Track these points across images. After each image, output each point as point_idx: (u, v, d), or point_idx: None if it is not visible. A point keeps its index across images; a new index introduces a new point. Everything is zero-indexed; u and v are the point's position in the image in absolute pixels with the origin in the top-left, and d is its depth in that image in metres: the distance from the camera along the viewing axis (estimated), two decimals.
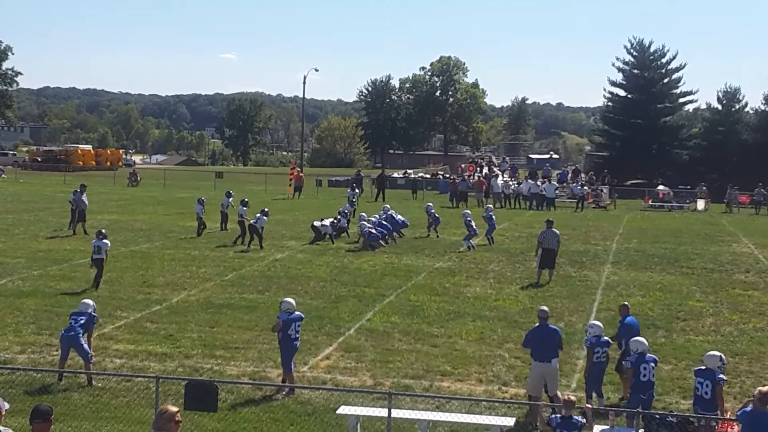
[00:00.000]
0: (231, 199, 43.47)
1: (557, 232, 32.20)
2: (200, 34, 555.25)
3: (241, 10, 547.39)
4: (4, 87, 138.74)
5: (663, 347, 22.35)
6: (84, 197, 41.80)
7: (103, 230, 30.14)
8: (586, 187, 68.12)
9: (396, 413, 15.08)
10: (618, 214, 60.75)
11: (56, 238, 39.54)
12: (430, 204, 46.26)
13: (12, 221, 45.64)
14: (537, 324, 17.71)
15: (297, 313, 18.68)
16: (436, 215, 43.50)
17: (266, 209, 39.40)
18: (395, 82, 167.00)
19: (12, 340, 21.68)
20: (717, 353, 15.74)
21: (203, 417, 15.41)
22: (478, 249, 38.47)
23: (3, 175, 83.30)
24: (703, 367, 15.46)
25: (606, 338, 17.27)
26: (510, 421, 15.83)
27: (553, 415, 13.63)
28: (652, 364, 16.13)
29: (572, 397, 13.63)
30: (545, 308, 18.19)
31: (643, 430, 14.36)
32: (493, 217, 41.41)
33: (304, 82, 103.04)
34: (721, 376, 15.35)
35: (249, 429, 15.88)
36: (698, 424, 15.05)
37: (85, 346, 18.44)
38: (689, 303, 28.19)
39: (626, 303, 19.85)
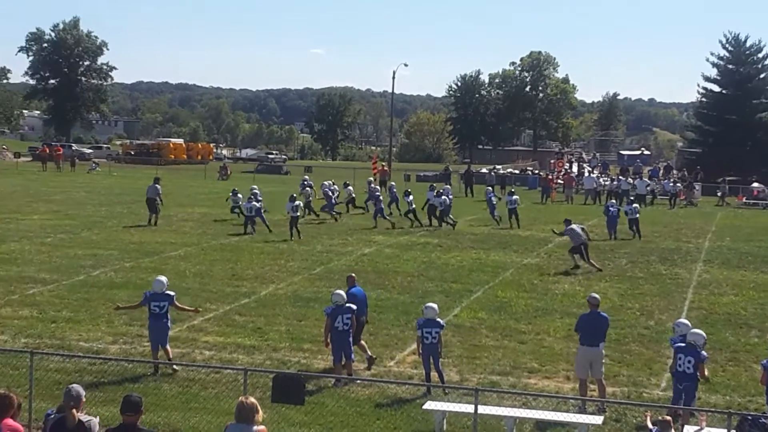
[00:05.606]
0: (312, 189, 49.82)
1: (578, 229, 33.54)
2: (290, 29, 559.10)
3: (331, 5, 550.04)
4: (99, 82, 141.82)
5: (756, 347, 21.94)
6: (159, 189, 42.64)
7: (294, 194, 41.55)
8: (679, 184, 66.91)
9: (482, 410, 15.00)
10: (710, 211, 59.75)
11: (147, 230, 40.15)
12: (447, 187, 50.98)
13: (105, 213, 46.47)
14: (588, 310, 18.11)
15: (348, 305, 18.78)
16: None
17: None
18: (485, 78, 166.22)
19: (104, 331, 22.07)
20: (699, 330, 16.43)
21: (290, 410, 15.47)
22: (567, 245, 38.09)
23: (97, 168, 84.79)
24: (683, 344, 15.90)
25: (688, 343, 16.27)
26: (598, 420, 15.65)
27: (653, 428, 13.40)
28: (690, 357, 15.84)
29: (668, 417, 13.31)
30: (596, 295, 18.62)
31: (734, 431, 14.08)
32: (493, 199, 46.54)
33: (394, 77, 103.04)
34: (705, 353, 15.93)
35: (335, 422, 15.92)
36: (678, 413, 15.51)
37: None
38: None
39: (352, 275, 21.12)
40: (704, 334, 16.25)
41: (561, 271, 32.32)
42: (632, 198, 49.12)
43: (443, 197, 44.43)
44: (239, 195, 45.16)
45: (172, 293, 19.40)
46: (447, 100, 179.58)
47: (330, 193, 47.81)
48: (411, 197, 45.26)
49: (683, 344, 15.93)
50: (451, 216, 44.88)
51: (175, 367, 18.61)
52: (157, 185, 42.77)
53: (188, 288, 26.42)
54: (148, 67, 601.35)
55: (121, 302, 22.71)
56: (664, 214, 56.12)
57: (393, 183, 54.37)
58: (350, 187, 51.75)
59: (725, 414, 14.06)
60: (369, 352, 19.75)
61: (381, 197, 45.84)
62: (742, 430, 14.15)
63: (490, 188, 52.18)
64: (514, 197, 46.23)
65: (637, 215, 42.36)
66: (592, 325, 17.73)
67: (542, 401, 16.90)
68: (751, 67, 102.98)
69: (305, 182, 51.60)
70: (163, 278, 19.68)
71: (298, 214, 39.49)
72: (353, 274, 21.28)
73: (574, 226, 33.67)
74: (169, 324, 19.25)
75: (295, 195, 41.86)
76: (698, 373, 15.69)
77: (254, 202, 40.45)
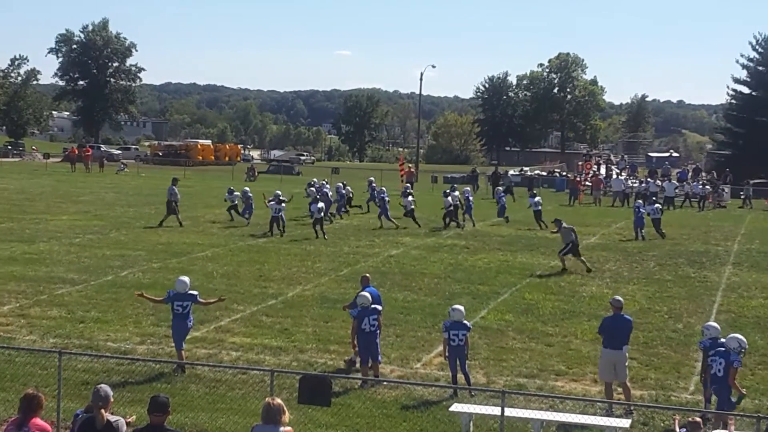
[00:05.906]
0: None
1: (570, 227, 33.71)
2: (318, 30, 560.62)
3: (359, 6, 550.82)
4: (128, 83, 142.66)
5: None
6: (176, 190, 42.84)
7: (318, 196, 42.56)
8: (708, 187, 66.37)
9: (509, 412, 14.95)
10: (740, 214, 59.37)
11: (175, 231, 40.31)
12: (467, 189, 50.96)
13: (133, 214, 46.70)
14: (612, 313, 18.07)
15: (374, 306, 18.80)
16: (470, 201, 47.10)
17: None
18: (512, 79, 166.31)
19: (132, 331, 22.15)
20: (739, 336, 16.11)
21: (317, 411, 15.48)
22: (595, 248, 38.02)
23: (126, 169, 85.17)
24: (723, 349, 15.74)
25: (722, 344, 16.40)
26: (626, 423, 15.57)
27: (681, 430, 13.31)
28: (722, 360, 15.72)
29: (697, 419, 13.21)
30: (619, 298, 18.47)
31: None
32: (503, 200, 49.04)
33: (421, 79, 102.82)
34: (738, 359, 15.65)
35: (362, 424, 15.91)
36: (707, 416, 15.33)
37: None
38: None
39: (367, 275, 21.18)
40: (741, 339, 15.89)
41: (588, 273, 32.18)
42: (654, 199, 48.83)
43: (448, 198, 44.81)
44: (235, 193, 45.55)
45: (194, 292, 19.40)
46: (474, 102, 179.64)
47: (328, 192, 48.67)
48: (411, 198, 45.88)
49: (721, 348, 15.79)
50: (471, 217, 45.51)
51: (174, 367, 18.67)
52: (173, 186, 42.93)
53: (215, 289, 26.46)
54: (176, 69, 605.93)
55: (149, 302, 22.75)
56: (693, 216, 55.83)
57: (407, 185, 54.72)
58: (348, 187, 52.12)
59: (754, 418, 13.95)
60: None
61: (387, 198, 45.48)
62: None
63: (500, 188, 54.46)
64: (536, 199, 46.32)
65: (659, 215, 42.41)
66: (616, 328, 17.66)
67: (569, 404, 16.85)
68: None
69: (311, 183, 51.72)
70: (186, 278, 19.68)
71: (322, 215, 39.72)
72: (367, 275, 21.30)
73: (566, 225, 33.71)
74: (190, 324, 19.34)
75: (319, 197, 42.19)
76: (728, 379, 15.57)
77: (283, 203, 40.72)
